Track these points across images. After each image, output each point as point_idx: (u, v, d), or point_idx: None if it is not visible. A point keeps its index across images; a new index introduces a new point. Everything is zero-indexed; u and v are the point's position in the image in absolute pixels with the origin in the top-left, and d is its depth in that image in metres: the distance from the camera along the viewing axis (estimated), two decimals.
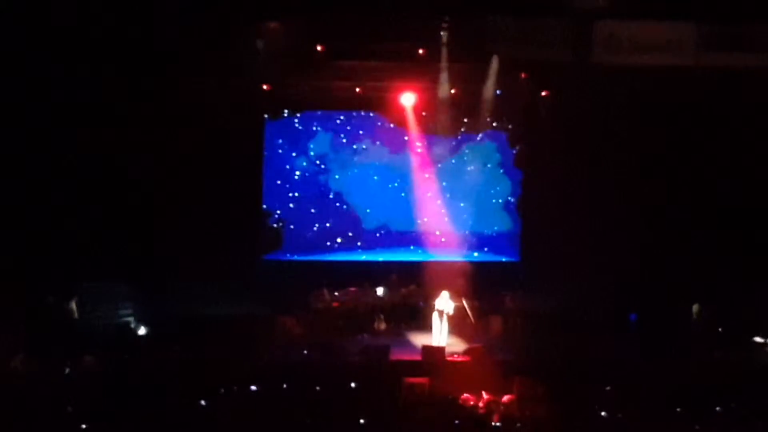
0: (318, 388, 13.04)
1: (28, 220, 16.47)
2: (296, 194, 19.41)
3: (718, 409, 12.42)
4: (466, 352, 15.41)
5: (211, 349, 14.92)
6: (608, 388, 13.19)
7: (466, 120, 19.15)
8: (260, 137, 19.04)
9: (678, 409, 12.38)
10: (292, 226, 19.39)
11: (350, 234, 19.55)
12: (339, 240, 19.52)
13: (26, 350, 14.27)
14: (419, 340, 16.19)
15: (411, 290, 18.03)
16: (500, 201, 19.70)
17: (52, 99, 16.28)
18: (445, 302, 15.94)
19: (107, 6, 15.20)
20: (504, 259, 19.56)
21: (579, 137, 18.04)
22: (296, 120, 19.36)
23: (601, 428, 12.05)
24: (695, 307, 16.88)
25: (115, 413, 11.64)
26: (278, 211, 19.34)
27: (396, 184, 19.54)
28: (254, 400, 12.57)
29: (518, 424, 11.98)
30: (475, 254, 19.40)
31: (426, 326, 16.28)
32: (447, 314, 15.88)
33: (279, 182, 19.34)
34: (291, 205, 19.39)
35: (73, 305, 16.38)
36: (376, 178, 19.55)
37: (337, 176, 19.49)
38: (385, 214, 19.60)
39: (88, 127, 16.78)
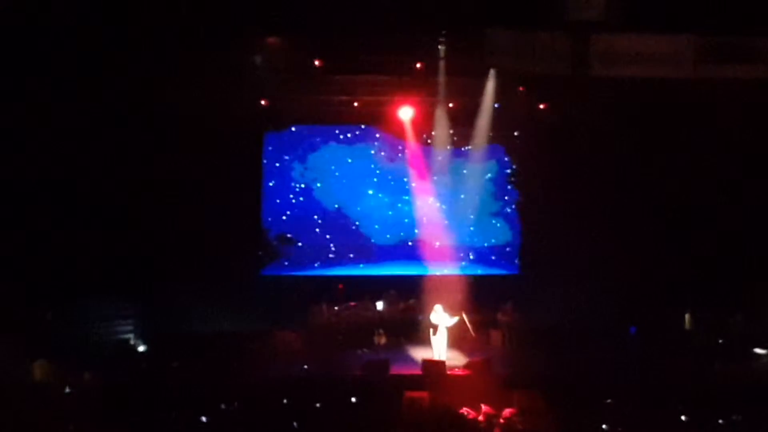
0: (318, 403, 13.00)
1: (28, 236, 16.41)
2: (295, 209, 19.39)
3: (720, 421, 12.38)
4: (466, 366, 15.38)
5: (211, 365, 14.91)
6: (609, 400, 13.15)
7: (464, 133, 19.17)
8: (259, 152, 19.07)
9: (679, 422, 12.35)
10: (290, 241, 19.36)
11: (349, 248, 19.50)
12: (338, 254, 19.47)
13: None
14: (419, 354, 16.16)
15: (410, 304, 18.02)
16: (499, 214, 19.69)
17: (51, 108, 16.23)
18: (438, 316, 15.92)
19: (107, 16, 15.19)
20: (503, 272, 19.52)
21: (577, 150, 18.06)
22: (295, 134, 19.38)
23: None
24: (687, 317, 16.96)
25: (115, 430, 11.60)
26: (277, 226, 19.32)
27: (395, 198, 19.54)
28: (255, 416, 12.52)
29: None
30: (475, 267, 19.37)
31: (426, 340, 16.24)
32: (442, 328, 15.85)
33: (278, 197, 19.34)
34: (290, 220, 19.37)
35: None
36: (374, 191, 19.55)
37: (335, 190, 19.47)
38: (384, 228, 19.58)
39: (85, 142, 16.76)
